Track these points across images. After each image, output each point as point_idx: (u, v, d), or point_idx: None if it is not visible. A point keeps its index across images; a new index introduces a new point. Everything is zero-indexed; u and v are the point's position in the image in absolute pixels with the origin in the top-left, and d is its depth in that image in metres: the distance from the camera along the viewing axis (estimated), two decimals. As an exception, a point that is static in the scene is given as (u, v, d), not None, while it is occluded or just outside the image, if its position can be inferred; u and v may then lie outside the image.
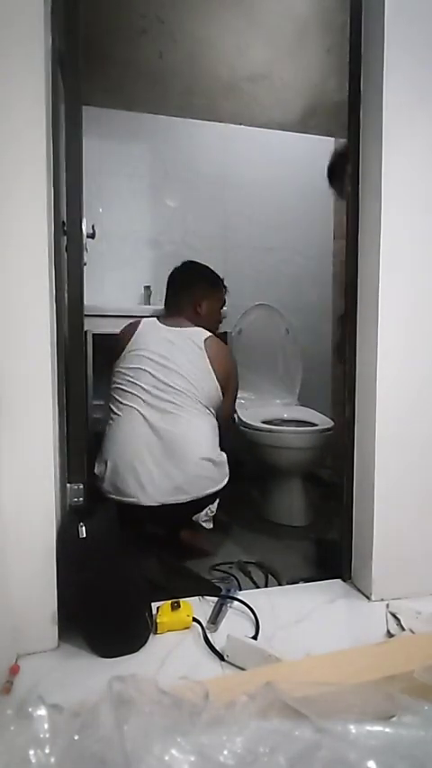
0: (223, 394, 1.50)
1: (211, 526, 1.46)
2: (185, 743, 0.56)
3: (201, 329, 1.51)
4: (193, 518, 1.42)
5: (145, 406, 1.39)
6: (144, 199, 2.19)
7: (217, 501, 1.45)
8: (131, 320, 1.55)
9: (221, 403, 1.52)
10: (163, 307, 1.68)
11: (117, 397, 1.44)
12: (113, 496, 1.35)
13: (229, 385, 1.53)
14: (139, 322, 1.52)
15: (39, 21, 0.87)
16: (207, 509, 1.43)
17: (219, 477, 1.42)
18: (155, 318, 1.54)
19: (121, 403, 1.42)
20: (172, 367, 1.42)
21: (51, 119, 0.93)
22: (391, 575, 1.15)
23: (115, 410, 1.43)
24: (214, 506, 1.45)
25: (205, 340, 1.48)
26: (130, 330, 1.51)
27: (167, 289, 1.65)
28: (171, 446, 1.37)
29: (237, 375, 1.61)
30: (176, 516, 1.40)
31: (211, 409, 1.48)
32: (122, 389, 1.43)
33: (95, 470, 1.40)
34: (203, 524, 1.44)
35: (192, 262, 1.68)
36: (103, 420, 1.49)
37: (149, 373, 1.41)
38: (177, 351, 1.44)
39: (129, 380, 1.42)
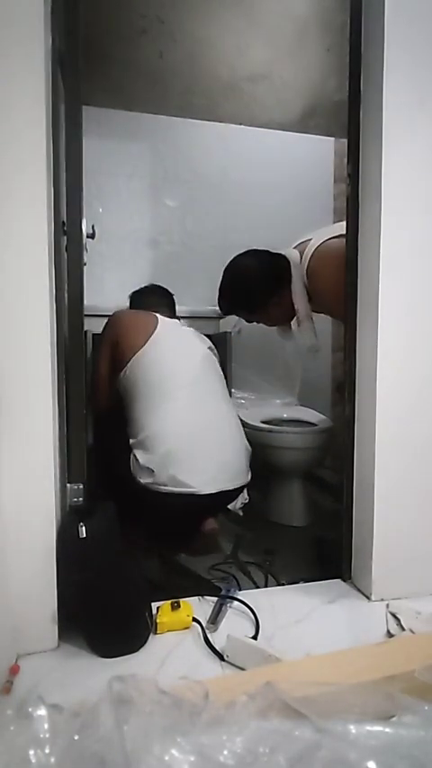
0: None
1: (242, 514, 1.52)
2: (185, 743, 0.56)
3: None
4: (229, 506, 1.46)
5: (188, 400, 1.41)
6: (144, 199, 2.19)
7: (246, 489, 1.49)
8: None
9: None
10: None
11: (151, 392, 1.42)
12: (166, 488, 1.33)
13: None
14: (150, 317, 1.52)
15: (39, 21, 0.87)
16: (241, 496, 1.47)
17: (248, 465, 1.49)
18: (172, 320, 1.59)
19: (162, 400, 1.41)
20: (201, 359, 1.49)
21: (51, 119, 0.93)
22: (391, 575, 1.15)
23: (152, 406, 1.41)
24: (245, 493, 1.50)
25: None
26: (144, 325, 1.49)
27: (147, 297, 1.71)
28: (221, 434, 1.42)
29: None
30: (222, 504, 1.45)
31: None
32: (157, 384, 1.42)
33: (141, 462, 1.35)
34: (239, 511, 1.50)
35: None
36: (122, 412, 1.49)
37: (184, 368, 1.46)
38: (196, 344, 1.53)
39: (164, 377, 1.43)
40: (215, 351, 1.61)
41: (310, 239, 1.46)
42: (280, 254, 1.53)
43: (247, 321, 1.70)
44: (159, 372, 1.44)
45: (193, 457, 1.36)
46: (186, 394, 1.41)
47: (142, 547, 1.37)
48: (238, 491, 1.44)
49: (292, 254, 1.49)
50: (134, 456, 1.38)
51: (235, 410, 1.54)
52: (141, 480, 1.35)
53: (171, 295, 1.73)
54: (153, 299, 1.67)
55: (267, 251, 1.56)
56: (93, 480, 1.12)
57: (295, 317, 1.54)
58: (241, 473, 1.43)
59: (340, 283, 1.19)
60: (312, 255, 1.41)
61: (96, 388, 1.57)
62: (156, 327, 1.49)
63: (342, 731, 0.60)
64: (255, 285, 1.53)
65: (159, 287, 1.74)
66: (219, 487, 1.36)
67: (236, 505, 1.46)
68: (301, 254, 1.46)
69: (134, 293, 1.74)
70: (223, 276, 1.59)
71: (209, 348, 1.57)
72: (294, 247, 1.52)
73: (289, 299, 1.51)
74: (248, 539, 1.56)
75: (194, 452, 1.36)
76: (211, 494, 1.35)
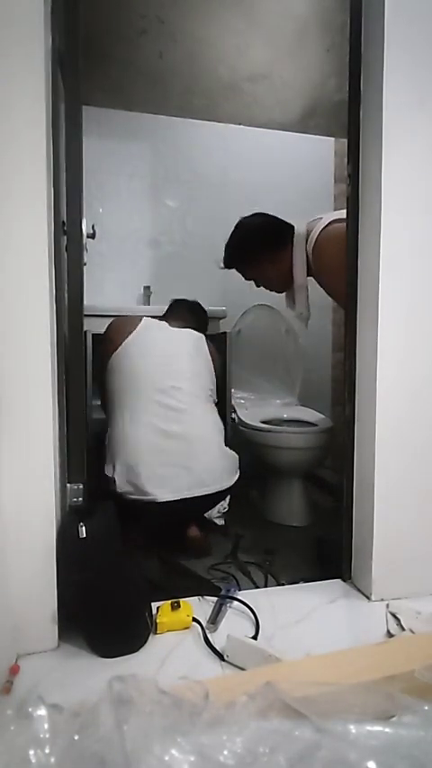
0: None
1: (223, 523, 1.47)
2: (185, 743, 0.56)
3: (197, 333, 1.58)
4: (206, 515, 1.42)
5: (155, 405, 1.40)
6: (144, 199, 2.19)
7: (228, 498, 1.46)
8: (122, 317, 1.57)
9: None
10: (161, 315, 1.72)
11: (120, 396, 1.43)
12: (131, 496, 1.34)
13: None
14: (135, 319, 1.52)
15: (39, 21, 0.87)
16: (219, 505, 1.44)
17: (231, 471, 1.45)
18: (155, 320, 1.56)
19: (128, 402, 1.41)
20: (176, 364, 1.45)
21: (51, 119, 0.93)
22: (391, 575, 1.15)
23: (120, 410, 1.42)
24: (226, 503, 1.47)
25: (204, 336, 1.58)
26: (125, 326, 1.50)
27: (172, 310, 1.72)
28: (183, 443, 1.38)
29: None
30: (191, 512, 1.41)
31: (214, 396, 1.54)
32: (126, 388, 1.43)
33: (107, 472, 1.38)
34: (216, 521, 1.45)
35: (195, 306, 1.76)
36: (103, 419, 1.49)
37: (156, 371, 1.42)
38: (179, 346, 1.48)
39: (133, 379, 1.42)
40: (209, 350, 1.57)
41: (321, 218, 1.49)
42: (286, 222, 1.58)
43: (245, 279, 1.69)
44: (129, 374, 1.44)
45: (151, 464, 1.35)
46: (152, 398, 1.40)
47: (141, 546, 1.37)
48: (211, 498, 1.40)
49: (299, 226, 1.54)
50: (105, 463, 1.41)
51: (213, 413, 1.51)
52: (110, 485, 1.37)
53: (205, 313, 1.75)
54: (184, 313, 1.69)
55: (275, 216, 1.61)
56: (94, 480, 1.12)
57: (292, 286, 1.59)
58: (213, 479, 1.39)
59: (342, 264, 1.21)
60: (320, 232, 1.44)
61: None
62: (135, 328, 1.49)
63: (342, 731, 0.60)
64: (254, 240, 1.57)
65: (198, 304, 1.76)
66: (178, 495, 1.34)
67: (212, 514, 1.43)
68: (310, 230, 1.50)
69: (174, 301, 1.76)
70: (232, 232, 1.64)
71: (197, 348, 1.53)
72: (307, 224, 1.57)
73: (288, 266, 1.54)
74: (248, 539, 1.56)
75: (153, 458, 1.35)
76: (174, 501, 1.33)
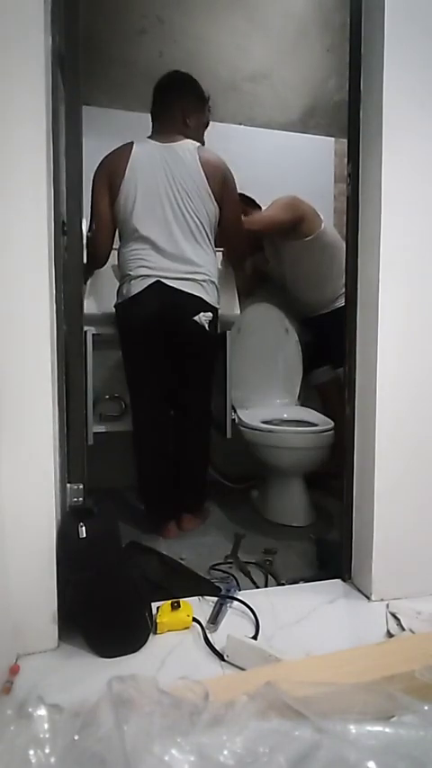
0: (221, 209, 1.60)
1: (208, 329, 1.58)
2: (185, 743, 0.56)
3: (191, 140, 1.57)
4: (195, 318, 1.54)
5: (168, 228, 1.52)
6: (144, 199, 2.18)
7: (210, 313, 1.58)
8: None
9: (222, 227, 1.64)
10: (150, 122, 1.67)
11: (128, 222, 1.53)
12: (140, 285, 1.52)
13: (224, 196, 1.60)
14: (128, 147, 1.54)
15: (39, 21, 0.87)
16: (204, 314, 1.56)
17: (214, 293, 1.61)
18: (146, 139, 1.58)
19: (134, 225, 1.52)
20: (180, 194, 1.52)
21: (51, 119, 0.93)
22: (391, 575, 1.15)
23: (128, 234, 1.55)
24: (209, 314, 1.58)
25: (198, 148, 1.57)
26: (120, 158, 1.53)
27: (154, 103, 1.64)
28: (190, 260, 1.53)
29: (234, 188, 1.65)
30: (189, 305, 1.54)
31: (210, 236, 1.60)
32: (131, 213, 1.51)
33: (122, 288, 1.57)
34: (204, 324, 1.56)
35: (178, 72, 1.64)
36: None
37: (161, 202, 1.51)
38: (177, 169, 1.52)
39: (134, 206, 1.51)
40: (201, 160, 1.55)
41: None
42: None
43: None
44: (132, 205, 1.51)
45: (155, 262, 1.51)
46: (152, 222, 1.51)
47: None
48: (199, 302, 1.55)
49: None
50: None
51: (206, 242, 1.58)
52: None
53: (198, 85, 1.64)
54: (180, 90, 1.62)
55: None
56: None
57: None
58: (204, 287, 1.55)
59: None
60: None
61: (97, 229, 1.59)
62: (127, 164, 1.52)
63: (342, 731, 0.60)
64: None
65: (185, 74, 1.64)
66: (180, 285, 1.51)
67: (200, 318, 1.55)
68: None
69: (159, 81, 1.64)
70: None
71: (193, 160, 1.54)
72: None
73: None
74: (248, 539, 1.56)
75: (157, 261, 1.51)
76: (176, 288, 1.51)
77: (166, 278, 1.51)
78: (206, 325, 1.56)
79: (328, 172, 2.41)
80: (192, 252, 1.53)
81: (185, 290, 1.52)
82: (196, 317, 1.54)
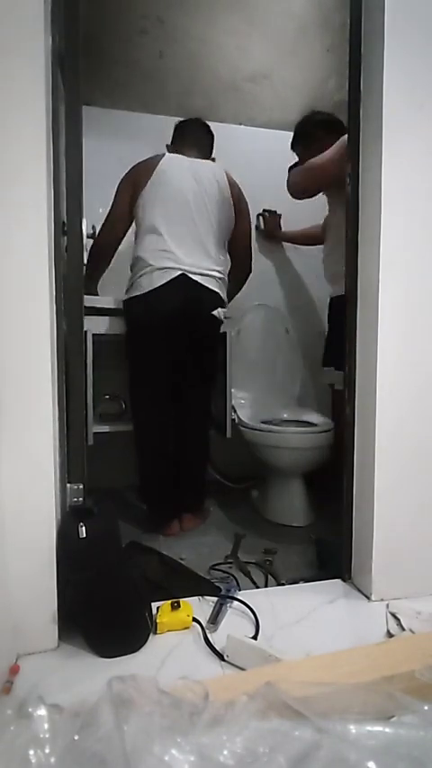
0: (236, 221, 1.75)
1: (223, 320, 1.69)
2: (185, 743, 0.56)
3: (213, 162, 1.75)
4: (213, 313, 1.63)
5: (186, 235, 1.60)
6: (144, 199, 2.18)
7: (219, 308, 1.66)
8: None
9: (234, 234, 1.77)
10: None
11: (148, 219, 1.60)
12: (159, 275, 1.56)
13: (240, 210, 1.75)
14: (160, 156, 1.66)
15: (39, 21, 0.87)
16: (219, 309, 1.66)
17: (223, 288, 1.69)
18: (175, 153, 1.70)
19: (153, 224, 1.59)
20: (202, 202, 1.63)
21: (51, 119, 0.93)
22: (391, 575, 1.14)
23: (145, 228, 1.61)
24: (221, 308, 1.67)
25: (225, 172, 1.73)
26: (150, 162, 1.65)
27: (180, 134, 1.80)
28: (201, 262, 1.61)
29: (246, 206, 1.81)
30: (205, 298, 1.61)
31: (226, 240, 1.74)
32: (156, 208, 1.59)
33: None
34: (220, 317, 1.66)
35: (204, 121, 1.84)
36: None
37: (180, 198, 1.60)
38: (205, 177, 1.65)
39: (161, 202, 1.60)
40: (225, 186, 1.70)
41: None
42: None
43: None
44: (158, 201, 1.59)
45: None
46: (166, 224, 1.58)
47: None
48: (215, 298, 1.63)
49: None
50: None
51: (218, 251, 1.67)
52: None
53: (211, 134, 1.84)
54: (193, 134, 1.79)
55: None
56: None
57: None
58: (215, 281, 1.63)
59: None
60: None
61: (114, 218, 1.68)
62: (161, 160, 1.63)
63: (342, 731, 0.60)
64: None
65: (203, 123, 1.83)
66: (195, 274, 1.58)
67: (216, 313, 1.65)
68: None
69: (179, 124, 1.83)
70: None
71: (221, 178, 1.69)
72: None
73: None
74: (248, 539, 1.56)
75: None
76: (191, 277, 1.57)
77: (191, 272, 1.56)
78: (222, 318, 1.66)
79: (328, 172, 2.41)
80: (214, 250, 1.63)
81: (207, 285, 1.59)
82: (215, 312, 1.62)
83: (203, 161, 1.71)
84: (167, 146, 1.80)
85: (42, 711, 0.60)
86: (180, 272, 1.55)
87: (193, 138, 1.78)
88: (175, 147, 1.77)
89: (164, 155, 1.67)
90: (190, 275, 1.56)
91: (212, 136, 1.84)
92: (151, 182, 1.61)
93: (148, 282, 1.55)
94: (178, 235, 1.58)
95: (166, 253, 1.56)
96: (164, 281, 1.54)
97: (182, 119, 1.85)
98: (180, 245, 1.57)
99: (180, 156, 1.69)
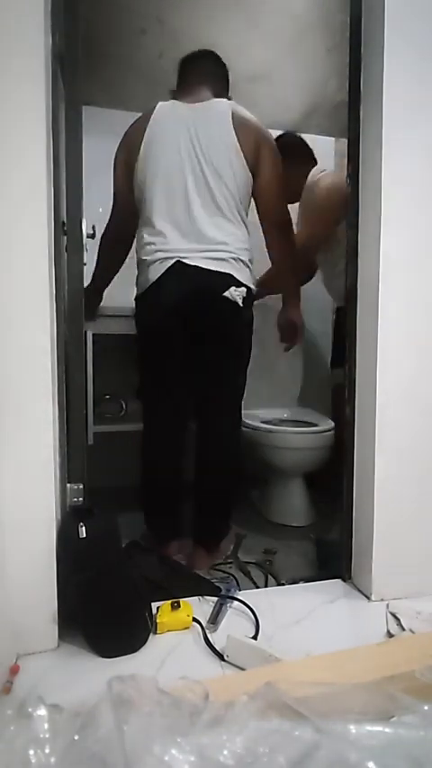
0: (255, 177, 1.39)
1: (242, 304, 1.36)
2: (185, 743, 0.56)
3: (225, 100, 1.40)
4: (225, 294, 1.32)
5: (190, 198, 1.32)
6: (144, 199, 2.18)
7: (243, 288, 1.36)
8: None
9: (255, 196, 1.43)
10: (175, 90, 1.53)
11: (149, 197, 1.36)
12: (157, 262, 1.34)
13: (260, 162, 1.38)
14: (150, 112, 1.39)
15: (39, 21, 0.87)
16: (235, 288, 1.34)
17: (246, 272, 1.39)
18: (172, 101, 1.42)
19: (155, 201, 1.35)
20: (198, 160, 1.33)
21: (51, 119, 0.93)
22: (391, 575, 1.14)
23: (148, 208, 1.36)
24: (242, 289, 1.36)
25: (231, 106, 1.38)
26: (139, 125, 1.39)
27: (182, 77, 1.53)
28: (215, 235, 1.33)
29: (271, 153, 1.43)
30: (215, 284, 1.33)
31: (241, 209, 1.39)
32: (153, 186, 1.35)
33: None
34: (237, 299, 1.34)
35: (212, 51, 1.54)
36: None
37: (181, 169, 1.33)
38: (204, 132, 1.33)
39: (150, 175, 1.35)
40: (235, 125, 1.35)
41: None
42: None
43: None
44: (148, 177, 1.36)
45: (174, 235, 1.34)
46: (170, 193, 1.33)
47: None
48: (232, 280, 1.34)
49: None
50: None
51: (234, 217, 1.38)
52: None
53: (224, 66, 1.53)
54: (197, 70, 1.49)
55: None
56: None
57: None
58: (231, 264, 1.34)
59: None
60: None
61: (116, 205, 1.52)
62: (148, 121, 1.37)
63: (342, 731, 0.60)
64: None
65: (209, 53, 1.52)
66: (203, 264, 1.31)
67: (232, 294, 1.33)
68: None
69: (183, 60, 1.54)
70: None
71: (227, 123, 1.34)
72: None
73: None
74: (248, 539, 1.56)
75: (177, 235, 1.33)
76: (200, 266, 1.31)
77: (189, 257, 1.31)
78: (239, 301, 1.34)
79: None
80: (215, 227, 1.32)
81: (212, 267, 1.31)
82: (227, 293, 1.32)
83: (207, 102, 1.37)
84: (171, 91, 1.50)
85: (42, 711, 0.60)
86: (174, 260, 1.31)
87: (198, 74, 1.46)
88: (178, 91, 1.48)
89: (156, 105, 1.38)
90: (187, 261, 1.30)
91: (226, 69, 1.51)
92: (144, 142, 1.34)
93: (145, 278, 1.36)
94: (174, 212, 1.32)
95: (157, 242, 1.33)
96: (160, 274, 1.32)
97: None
98: (176, 226, 1.32)
99: (177, 102, 1.39)
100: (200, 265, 1.31)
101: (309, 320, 2.35)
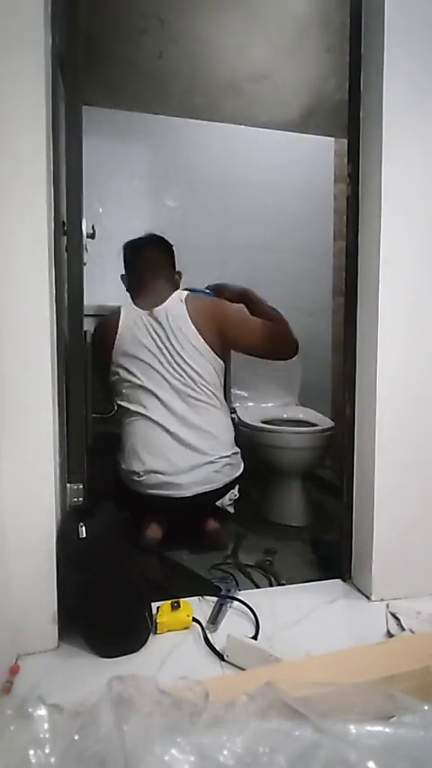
0: (235, 339, 1.48)
1: (233, 511, 1.51)
2: (185, 743, 0.56)
3: (177, 293, 1.48)
4: (218, 503, 1.45)
5: (167, 400, 1.41)
6: (144, 199, 2.19)
7: (237, 486, 1.49)
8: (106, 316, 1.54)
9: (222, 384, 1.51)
10: (129, 285, 1.59)
11: (123, 398, 1.45)
12: (153, 491, 1.38)
13: (228, 333, 1.46)
14: (116, 318, 1.47)
15: (39, 21, 0.87)
16: (230, 493, 1.47)
17: (238, 463, 1.49)
18: (131, 307, 1.49)
19: (131, 404, 1.44)
20: (175, 359, 1.41)
21: (51, 119, 0.93)
22: (391, 575, 1.14)
23: (132, 407, 1.44)
24: (236, 490, 1.50)
25: (186, 299, 1.45)
26: (110, 326, 1.47)
27: (132, 267, 1.58)
28: (198, 436, 1.41)
29: (235, 319, 1.50)
30: (206, 502, 1.43)
31: (218, 394, 1.48)
32: (127, 389, 1.44)
33: (128, 467, 1.41)
34: (227, 508, 1.48)
35: (152, 235, 1.61)
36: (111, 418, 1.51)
37: (157, 371, 1.42)
38: (170, 335, 1.41)
39: (132, 380, 1.44)
40: (189, 310, 1.43)
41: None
42: None
43: None
44: (125, 376, 1.44)
45: (168, 461, 1.38)
46: (151, 397, 1.42)
47: (159, 542, 1.40)
48: (221, 490, 1.44)
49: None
50: (119, 460, 1.45)
51: (222, 408, 1.49)
52: (127, 483, 1.42)
53: (170, 247, 1.60)
54: (148, 255, 1.56)
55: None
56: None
57: None
58: (220, 474, 1.42)
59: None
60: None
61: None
62: (117, 326, 1.46)
63: (342, 731, 0.60)
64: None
65: (156, 239, 1.59)
66: (195, 491, 1.38)
67: (224, 502, 1.47)
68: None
69: (127, 246, 1.60)
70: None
71: (187, 315, 1.42)
72: None
73: None
74: (248, 539, 1.56)
75: (167, 458, 1.38)
76: (190, 496, 1.37)
77: (176, 497, 1.37)
78: (230, 509, 1.49)
79: (328, 172, 2.41)
80: (197, 437, 1.39)
81: (201, 491, 1.39)
82: (219, 503, 1.45)
83: (164, 307, 1.44)
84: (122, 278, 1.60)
85: (42, 711, 0.60)
86: (165, 497, 1.37)
87: (147, 265, 1.55)
88: (132, 287, 1.57)
89: (119, 313, 1.48)
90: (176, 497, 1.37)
91: (171, 248, 1.59)
92: (118, 356, 1.44)
93: (131, 483, 1.41)
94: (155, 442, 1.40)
95: (160, 468, 1.37)
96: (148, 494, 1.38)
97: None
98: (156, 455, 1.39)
99: (137, 311, 1.46)
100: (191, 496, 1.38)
101: (309, 320, 2.36)
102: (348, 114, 1.18)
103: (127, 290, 1.59)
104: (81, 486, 1.06)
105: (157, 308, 1.45)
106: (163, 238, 1.61)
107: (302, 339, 2.23)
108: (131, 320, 1.46)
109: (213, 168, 2.25)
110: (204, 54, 1.93)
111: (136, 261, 1.58)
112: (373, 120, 1.10)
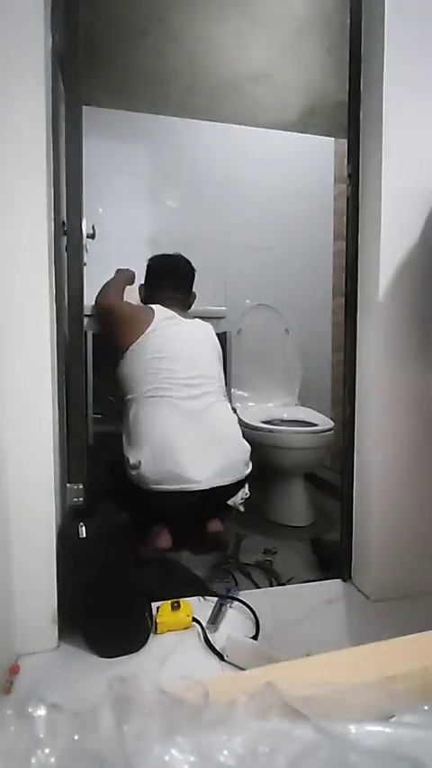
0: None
1: (243, 510, 1.51)
2: (185, 743, 0.56)
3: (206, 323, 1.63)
4: (229, 502, 1.45)
5: (181, 394, 1.42)
6: (144, 199, 2.19)
7: (247, 485, 1.49)
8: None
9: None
10: (145, 298, 1.69)
11: (147, 385, 1.43)
12: (160, 486, 1.34)
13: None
14: (151, 310, 1.53)
15: (39, 21, 0.87)
16: (242, 491, 1.47)
17: (248, 461, 1.50)
18: (171, 312, 1.56)
19: (154, 393, 1.43)
20: (199, 358, 1.50)
21: (51, 119, 0.93)
22: (391, 575, 1.14)
23: (146, 398, 1.43)
24: (246, 489, 1.50)
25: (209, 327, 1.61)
26: (142, 316, 1.51)
27: (156, 282, 1.68)
28: (212, 431, 1.41)
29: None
30: (219, 498, 1.42)
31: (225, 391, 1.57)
32: (153, 377, 1.44)
33: (132, 461, 1.37)
34: (239, 507, 1.49)
35: (181, 256, 1.74)
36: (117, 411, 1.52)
37: (181, 365, 1.45)
38: (199, 343, 1.54)
39: (160, 370, 1.44)
40: (217, 343, 1.62)
41: None
42: None
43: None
44: (152, 366, 1.44)
45: (182, 452, 1.35)
46: (176, 390, 1.42)
47: (157, 553, 1.37)
48: (234, 486, 1.43)
49: None
50: (125, 453, 1.40)
51: (229, 406, 1.55)
52: (133, 479, 1.37)
53: (194, 271, 1.73)
54: (175, 275, 1.69)
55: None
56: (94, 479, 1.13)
57: None
58: (235, 469, 1.42)
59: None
60: None
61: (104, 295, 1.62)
62: (152, 320, 1.50)
63: (342, 731, 0.59)
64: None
65: (184, 260, 1.72)
66: (210, 484, 1.35)
67: (236, 501, 1.46)
68: None
69: (155, 261, 1.72)
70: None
71: (210, 341, 1.59)
72: None
73: None
74: (248, 539, 1.56)
75: (183, 449, 1.36)
76: (204, 490, 1.34)
77: (189, 491, 1.34)
78: (241, 508, 1.50)
79: (328, 172, 2.41)
80: (214, 430, 1.42)
81: (216, 485, 1.37)
82: (230, 501, 1.46)
83: (196, 322, 1.61)
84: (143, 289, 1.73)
85: (42, 711, 0.60)
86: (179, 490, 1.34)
87: (182, 289, 1.69)
88: (165, 299, 1.63)
89: (154, 312, 1.53)
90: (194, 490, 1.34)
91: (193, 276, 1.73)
92: (137, 344, 1.47)
93: (140, 479, 1.36)
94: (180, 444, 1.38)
95: (170, 464, 1.34)
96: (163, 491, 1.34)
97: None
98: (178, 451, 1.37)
99: (172, 313, 1.55)
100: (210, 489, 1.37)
101: (309, 320, 2.36)
102: (348, 114, 1.18)
103: (142, 302, 1.67)
104: (81, 486, 1.06)
105: (193, 321, 1.58)
106: (189, 261, 1.73)
107: (302, 339, 2.25)
108: (164, 316, 1.52)
109: (213, 168, 2.26)
110: (205, 54, 1.93)
111: (163, 277, 1.67)
112: (373, 120, 1.10)
